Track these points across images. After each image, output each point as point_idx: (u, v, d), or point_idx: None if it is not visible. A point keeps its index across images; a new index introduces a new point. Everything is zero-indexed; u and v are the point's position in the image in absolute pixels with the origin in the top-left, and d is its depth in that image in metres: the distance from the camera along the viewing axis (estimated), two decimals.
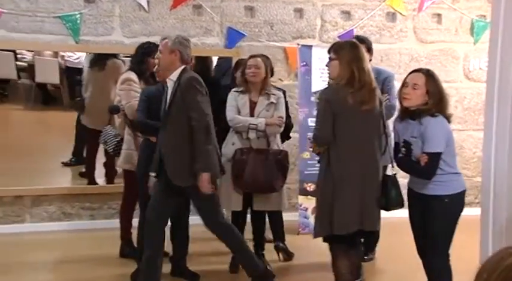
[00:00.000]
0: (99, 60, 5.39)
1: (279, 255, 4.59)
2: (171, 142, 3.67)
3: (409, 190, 3.44)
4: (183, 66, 3.72)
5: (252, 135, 4.24)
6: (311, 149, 4.01)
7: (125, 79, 4.31)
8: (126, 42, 5.32)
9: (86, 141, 5.77)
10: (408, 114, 3.31)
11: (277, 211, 4.52)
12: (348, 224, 3.33)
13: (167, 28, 5.42)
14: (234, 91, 4.35)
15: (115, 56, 5.45)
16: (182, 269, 4.18)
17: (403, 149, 3.37)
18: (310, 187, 5.20)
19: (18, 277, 4.17)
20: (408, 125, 3.33)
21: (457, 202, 3.29)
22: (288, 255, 4.61)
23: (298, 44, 5.47)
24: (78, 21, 5.16)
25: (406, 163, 3.38)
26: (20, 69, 8.89)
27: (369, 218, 3.38)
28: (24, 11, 5.04)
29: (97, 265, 4.47)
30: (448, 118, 3.30)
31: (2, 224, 5.11)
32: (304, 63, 5.34)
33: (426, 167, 3.23)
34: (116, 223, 5.24)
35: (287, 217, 4.77)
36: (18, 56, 8.90)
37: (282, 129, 4.34)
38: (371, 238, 4.26)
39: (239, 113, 4.26)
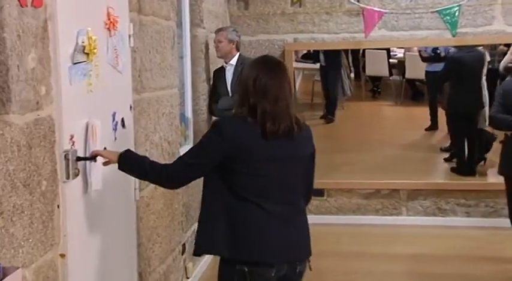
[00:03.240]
0: None
1: None
2: None
3: None
4: (238, 53, 4.56)
5: None
6: None
7: None
8: (509, 30, 4.99)
9: None
10: None
11: None
12: None
13: None
14: None
15: None
16: None
17: None
18: None
19: (394, 266, 4.32)
20: None
21: None
22: None
23: None
24: (457, 14, 5.06)
25: None
26: (391, 66, 9.28)
27: None
28: (403, 9, 5.17)
29: (469, 262, 4.34)
30: None
31: (380, 215, 5.37)
32: None
33: None
34: (492, 222, 5.04)
35: None
36: (391, 53, 9.30)
37: None
38: None
39: None
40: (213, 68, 4.73)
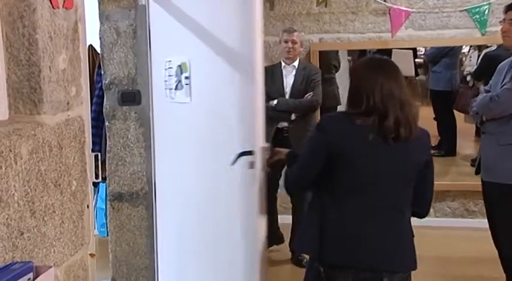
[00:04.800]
0: None
1: None
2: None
3: None
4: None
5: None
6: None
7: None
8: None
9: None
10: None
11: None
12: None
13: None
14: None
15: None
16: None
17: None
18: None
19: (422, 268, 4.24)
20: None
21: None
22: None
23: None
24: (486, 12, 4.99)
25: None
26: (417, 66, 9.15)
27: None
28: (431, 8, 5.11)
29: (499, 266, 4.25)
30: None
31: None
32: None
33: None
34: None
35: None
36: (417, 52, 9.17)
37: None
38: None
39: None
40: None
